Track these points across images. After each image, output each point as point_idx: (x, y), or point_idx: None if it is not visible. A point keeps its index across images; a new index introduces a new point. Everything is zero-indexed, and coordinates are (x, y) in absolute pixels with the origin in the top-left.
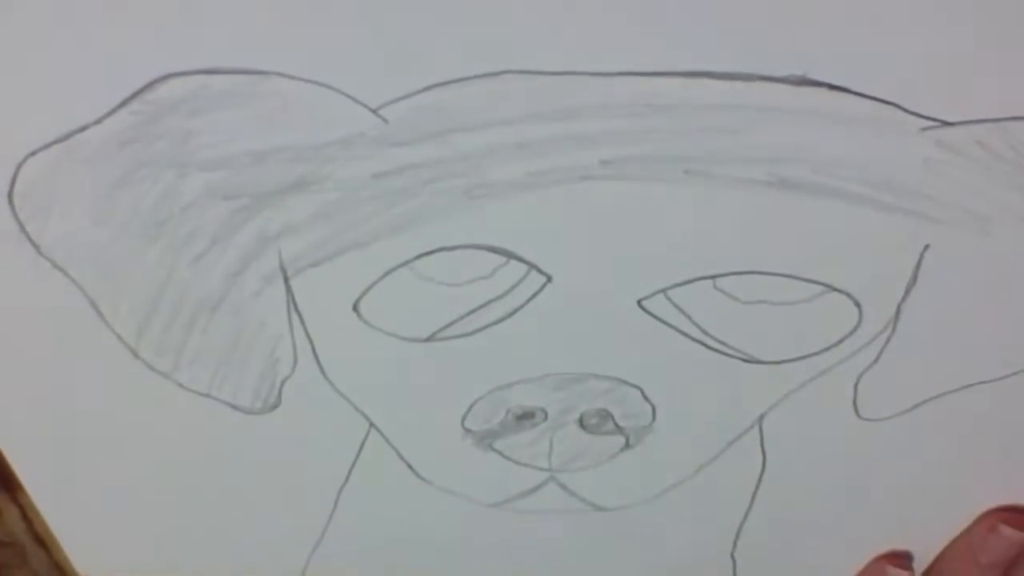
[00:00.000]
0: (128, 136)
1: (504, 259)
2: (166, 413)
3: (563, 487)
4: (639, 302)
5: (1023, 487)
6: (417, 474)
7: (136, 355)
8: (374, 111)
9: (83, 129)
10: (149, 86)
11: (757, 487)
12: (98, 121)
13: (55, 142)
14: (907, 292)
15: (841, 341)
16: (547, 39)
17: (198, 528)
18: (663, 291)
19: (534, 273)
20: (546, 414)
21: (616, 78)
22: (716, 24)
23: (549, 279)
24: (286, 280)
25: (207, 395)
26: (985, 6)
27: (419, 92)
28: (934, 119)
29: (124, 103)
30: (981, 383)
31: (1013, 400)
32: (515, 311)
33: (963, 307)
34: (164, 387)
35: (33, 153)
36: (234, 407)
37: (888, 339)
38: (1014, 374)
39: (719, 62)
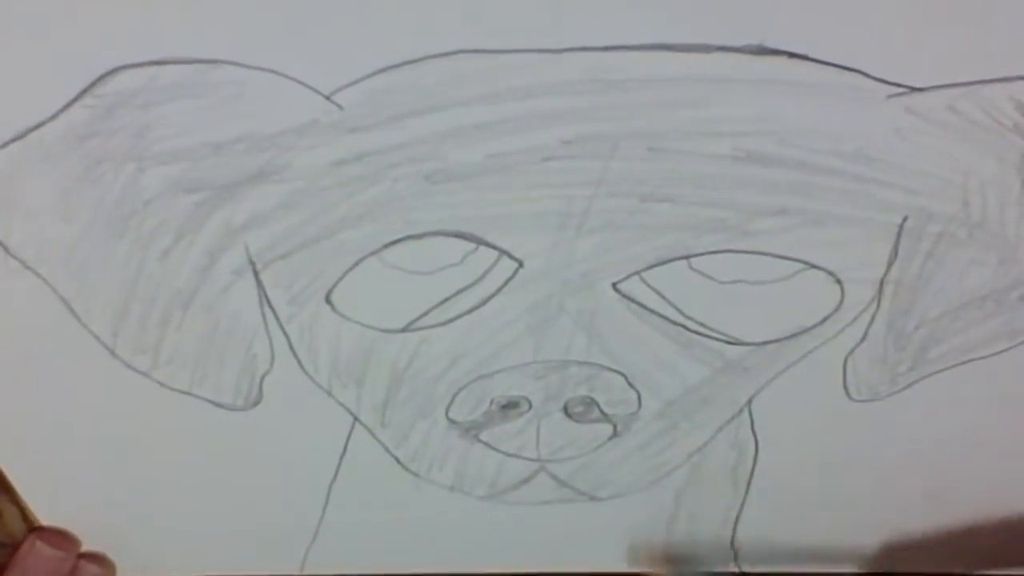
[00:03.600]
0: (84, 131)
1: (473, 245)
2: (149, 412)
3: (554, 477)
4: (614, 285)
5: (1018, 465)
6: (405, 468)
7: (114, 354)
8: (327, 97)
9: (39, 126)
10: (100, 79)
11: (751, 474)
12: (53, 117)
13: (13, 140)
14: (889, 266)
15: (825, 320)
16: (497, 16)
17: (193, 525)
18: (638, 273)
19: (505, 259)
20: (530, 403)
21: (568, 54)
22: None
23: (520, 264)
24: (256, 273)
25: (188, 393)
26: None
27: (370, 76)
28: (901, 85)
29: (77, 98)
30: (973, 360)
31: (1008, 377)
32: (489, 298)
33: (948, 280)
34: (145, 386)
35: None
36: (217, 404)
37: (873, 316)
38: (1008, 349)
39: (672, 34)
